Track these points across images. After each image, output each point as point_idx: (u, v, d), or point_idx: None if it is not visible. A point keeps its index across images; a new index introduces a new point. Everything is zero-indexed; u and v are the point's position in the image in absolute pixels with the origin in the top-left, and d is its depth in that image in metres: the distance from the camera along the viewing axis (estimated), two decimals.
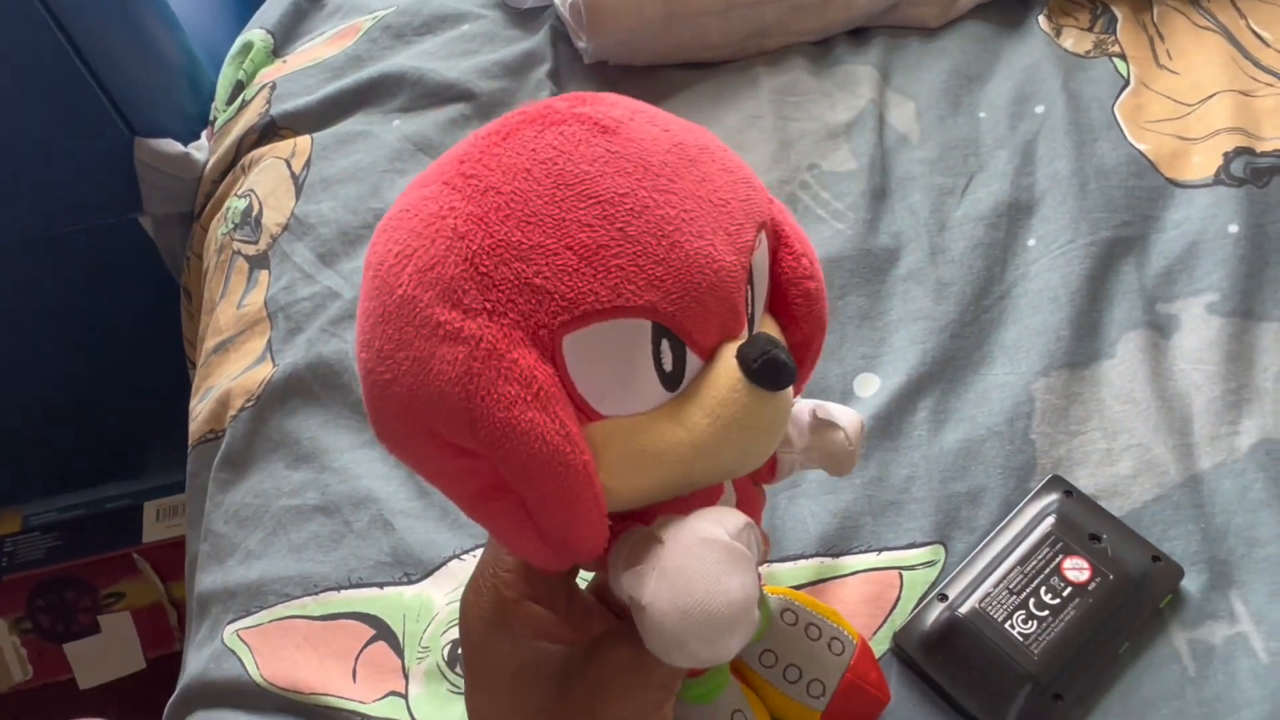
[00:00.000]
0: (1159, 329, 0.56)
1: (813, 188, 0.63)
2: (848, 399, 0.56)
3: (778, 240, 0.35)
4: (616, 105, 0.33)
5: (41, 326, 0.91)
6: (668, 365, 0.31)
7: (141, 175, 0.76)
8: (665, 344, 0.30)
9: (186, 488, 0.65)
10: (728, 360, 0.31)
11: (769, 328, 0.35)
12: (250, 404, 0.61)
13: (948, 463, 0.53)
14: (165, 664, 1.13)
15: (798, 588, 0.50)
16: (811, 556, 0.51)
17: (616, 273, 0.29)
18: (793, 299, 0.35)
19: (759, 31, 0.70)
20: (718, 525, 0.31)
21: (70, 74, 0.71)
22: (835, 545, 0.51)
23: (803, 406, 0.42)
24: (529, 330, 0.29)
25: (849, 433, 0.41)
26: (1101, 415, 0.54)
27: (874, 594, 0.50)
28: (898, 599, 0.50)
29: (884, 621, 0.49)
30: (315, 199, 0.68)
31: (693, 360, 0.31)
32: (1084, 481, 0.52)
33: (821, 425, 0.42)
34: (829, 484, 0.53)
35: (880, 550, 0.51)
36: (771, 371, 0.31)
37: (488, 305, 0.29)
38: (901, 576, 0.50)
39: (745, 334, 0.32)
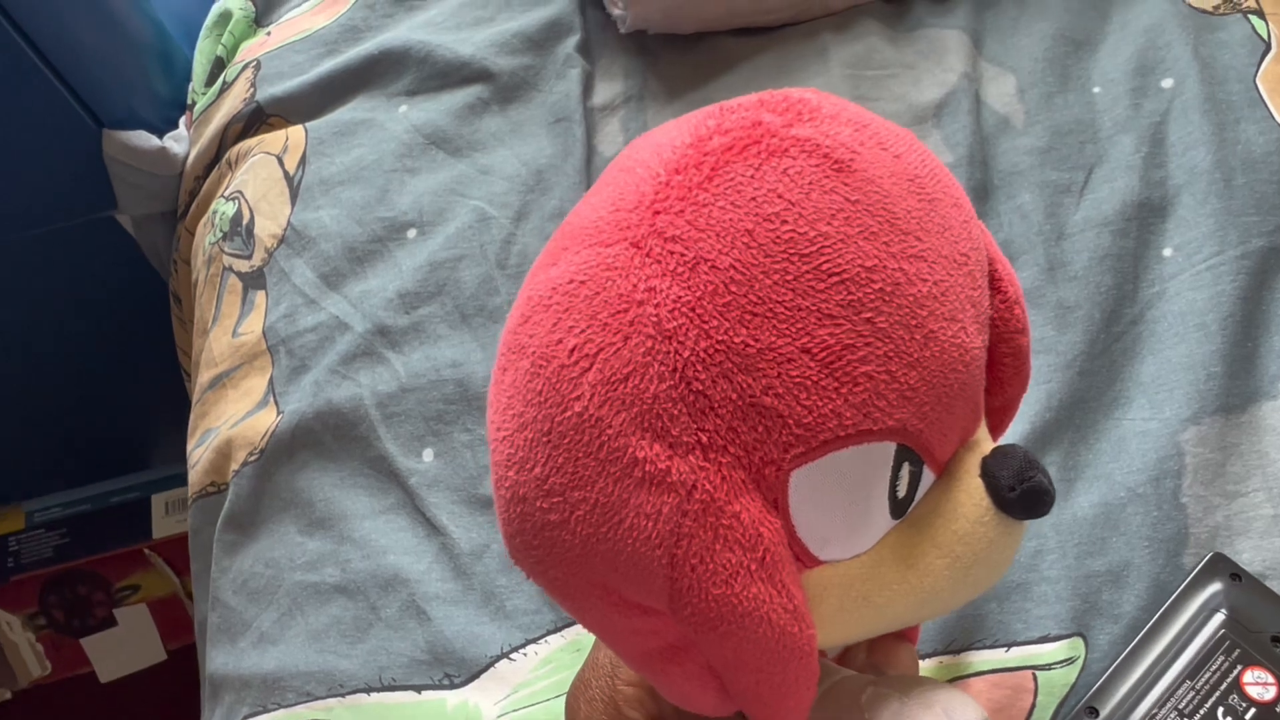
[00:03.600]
0: None
1: None
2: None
3: (993, 281, 0.27)
4: (839, 120, 0.25)
5: (32, 323, 0.79)
6: (902, 490, 0.24)
7: (113, 172, 0.63)
8: (906, 467, 0.24)
9: (190, 542, 0.55)
10: (971, 484, 0.25)
11: None
12: (254, 457, 0.50)
13: (1083, 533, 0.43)
14: (188, 654, 1.06)
15: None
16: (929, 656, 0.41)
17: (865, 383, 0.22)
18: (1002, 356, 0.28)
19: None
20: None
21: (19, 58, 0.58)
22: (955, 640, 0.42)
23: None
24: (752, 469, 0.22)
25: None
26: (1265, 472, 0.43)
27: (1004, 701, 0.40)
28: (1033, 706, 0.40)
29: None
30: (314, 205, 0.56)
31: (927, 475, 0.25)
32: (1248, 556, 0.42)
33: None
34: None
35: (1009, 646, 0.42)
36: (1032, 502, 0.25)
37: (703, 438, 0.22)
38: (1036, 678, 0.41)
39: (979, 436, 0.26)
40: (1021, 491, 0.25)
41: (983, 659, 0.41)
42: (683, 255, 0.22)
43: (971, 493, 0.25)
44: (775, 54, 0.57)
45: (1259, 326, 0.46)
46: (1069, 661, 0.41)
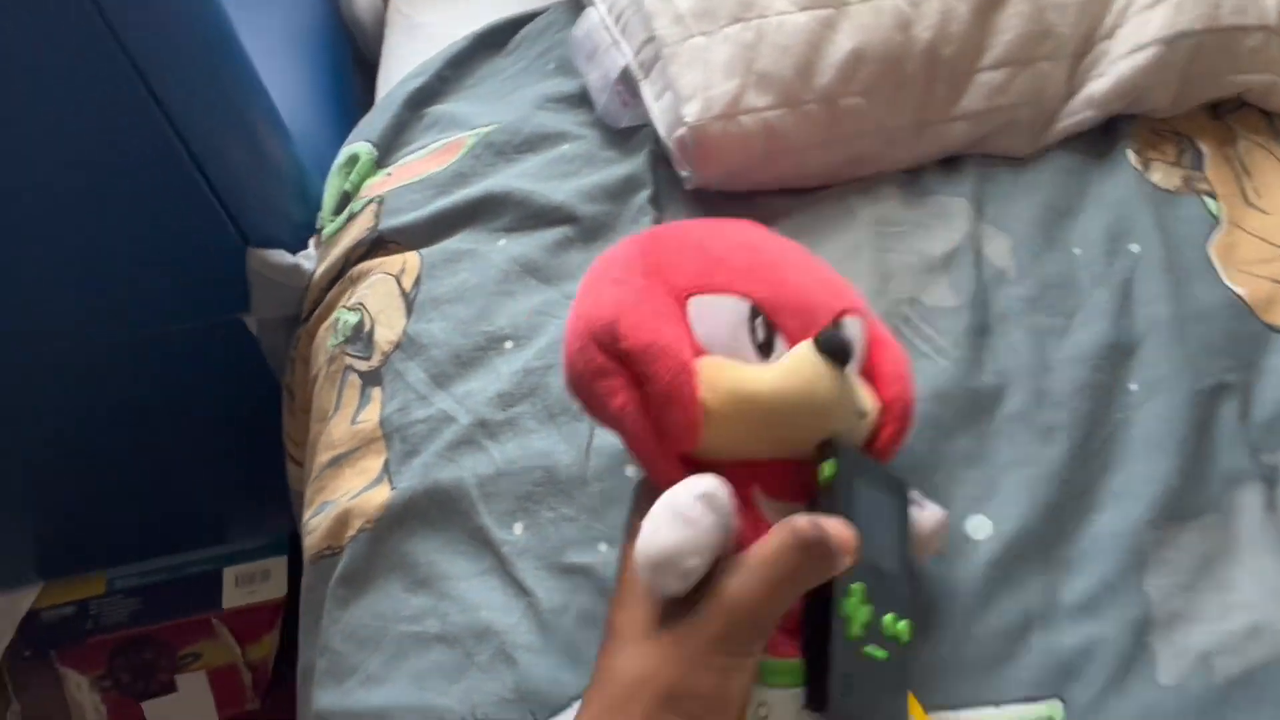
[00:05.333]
0: (1268, 480, 0.54)
1: (914, 322, 0.62)
2: (961, 542, 0.55)
3: (872, 334, 0.49)
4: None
5: (139, 406, 0.90)
6: (760, 336, 0.43)
7: (253, 282, 0.75)
8: (760, 321, 0.43)
9: (302, 598, 0.64)
10: (804, 342, 0.43)
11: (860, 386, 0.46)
12: (369, 526, 0.60)
13: (1064, 614, 0.52)
14: None
15: None
16: (933, 708, 0.50)
17: (732, 270, 0.45)
18: (883, 373, 0.48)
19: (853, 160, 0.69)
20: (683, 488, 0.39)
21: (188, 178, 0.71)
22: (953, 697, 0.50)
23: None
24: (668, 287, 0.44)
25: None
26: (1211, 568, 0.52)
27: None
28: None
29: None
30: (426, 318, 0.67)
31: (780, 342, 0.44)
32: (1198, 638, 0.51)
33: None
34: (941, 631, 0.52)
35: (999, 704, 0.50)
36: (834, 345, 0.42)
37: (645, 270, 0.45)
38: None
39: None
40: (828, 338, 0.42)
41: (978, 715, 0.49)
42: (658, 231, 0.51)
43: (806, 344, 0.43)
44: (812, 213, 0.68)
45: (1208, 449, 0.56)
46: None
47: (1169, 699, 0.49)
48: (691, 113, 0.65)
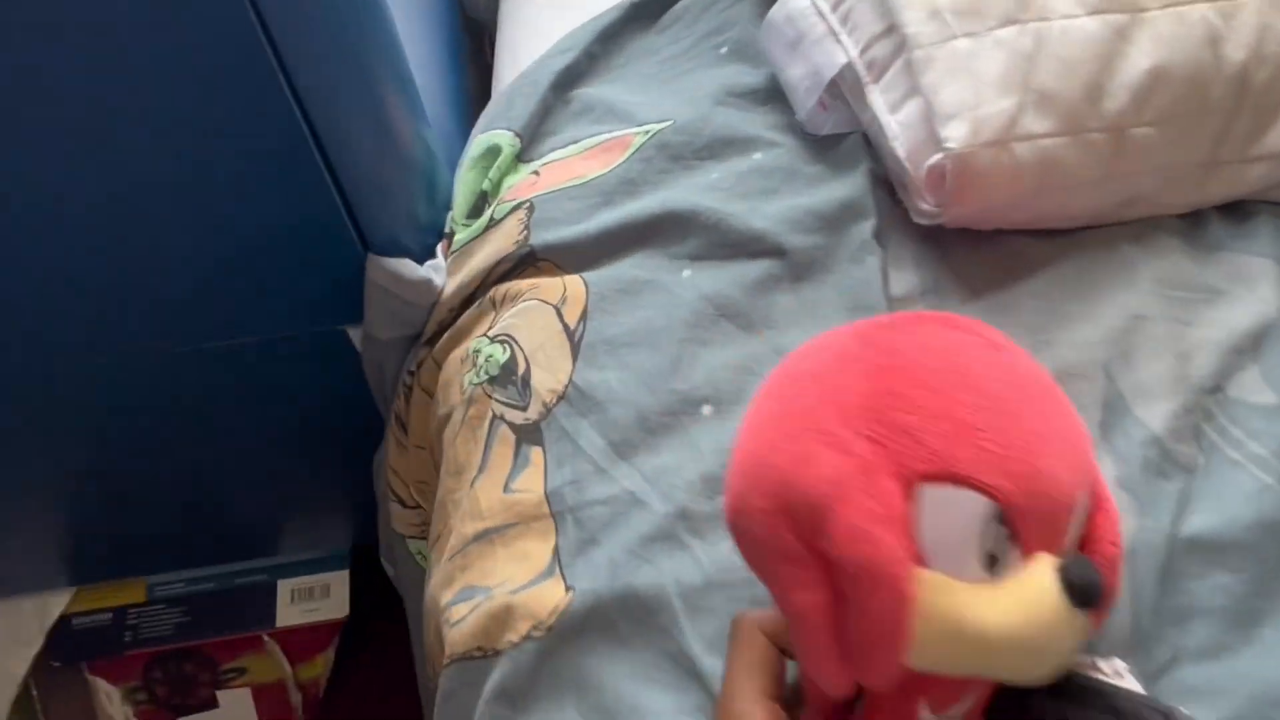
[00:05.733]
0: None
1: (1219, 420, 0.51)
2: None
3: (1096, 500, 0.38)
4: (998, 334, 0.39)
5: (213, 411, 0.78)
6: (991, 545, 0.33)
7: (371, 296, 0.63)
8: (998, 529, 0.33)
9: (440, 704, 0.52)
10: (1046, 567, 0.33)
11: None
12: (539, 633, 0.48)
13: None
14: None
15: None
16: None
17: (981, 452, 0.33)
18: (1097, 555, 0.37)
19: (1127, 201, 0.57)
20: None
21: (311, 171, 0.58)
22: None
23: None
24: (898, 466, 0.33)
25: None
26: None
27: None
28: None
29: None
30: (599, 365, 0.55)
31: (1013, 553, 0.34)
32: None
33: None
34: None
35: None
36: (1085, 590, 0.33)
37: (872, 435, 0.33)
38: None
39: (1067, 552, 0.35)
40: (1083, 581, 0.33)
41: None
42: (882, 345, 0.36)
43: (1046, 573, 0.33)
44: (1076, 263, 0.56)
45: None
46: None
47: None
48: (956, 136, 0.52)
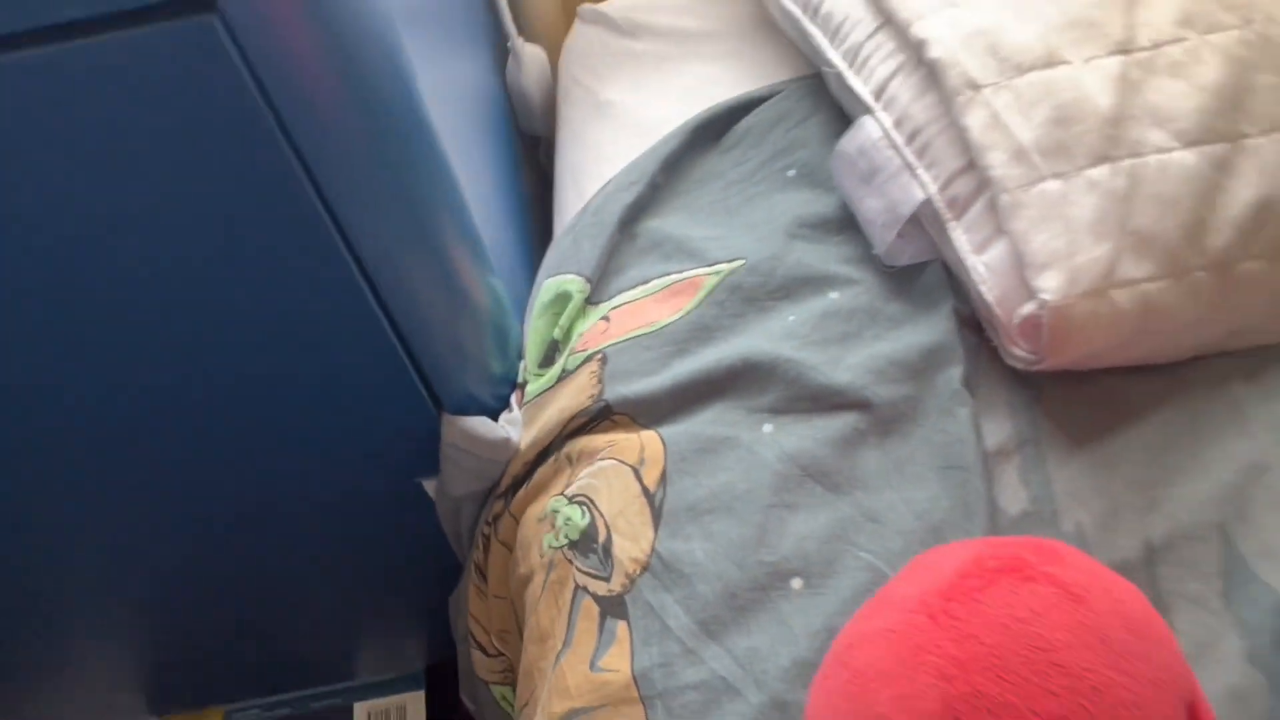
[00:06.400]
0: None
1: None
2: None
3: (1193, 714, 0.36)
4: (1078, 569, 0.36)
5: (279, 545, 0.79)
6: None
7: (446, 455, 0.62)
8: None
9: None
10: None
11: None
12: None
13: None
14: None
15: None
16: None
17: None
18: None
19: (1233, 333, 0.54)
20: None
21: (379, 337, 0.58)
22: None
23: None
24: None
25: None
26: None
27: None
28: None
29: None
30: (683, 534, 0.54)
31: None
32: None
33: None
34: None
35: None
36: None
37: None
38: None
39: None
40: None
41: None
42: (960, 629, 0.33)
43: None
44: (1181, 404, 0.53)
45: None
46: None
47: None
48: (1051, 287, 0.50)
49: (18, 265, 0.50)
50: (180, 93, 0.42)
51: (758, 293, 0.62)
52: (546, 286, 0.67)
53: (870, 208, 0.61)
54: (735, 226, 0.66)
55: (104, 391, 0.60)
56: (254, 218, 0.50)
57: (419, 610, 0.91)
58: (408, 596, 0.88)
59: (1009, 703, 0.31)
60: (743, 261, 0.63)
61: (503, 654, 0.69)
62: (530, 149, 0.98)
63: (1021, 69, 0.54)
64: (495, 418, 0.63)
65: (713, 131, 0.74)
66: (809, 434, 0.56)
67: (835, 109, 0.69)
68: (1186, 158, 0.52)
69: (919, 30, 0.58)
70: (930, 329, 0.57)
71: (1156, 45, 0.54)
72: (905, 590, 0.37)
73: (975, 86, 0.54)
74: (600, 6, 0.90)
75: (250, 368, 0.58)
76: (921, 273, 0.60)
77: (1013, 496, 0.52)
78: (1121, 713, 0.32)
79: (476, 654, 0.71)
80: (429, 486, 0.68)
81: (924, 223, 0.60)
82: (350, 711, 1.00)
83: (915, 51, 0.58)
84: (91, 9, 0.39)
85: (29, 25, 0.40)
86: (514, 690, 0.64)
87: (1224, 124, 0.52)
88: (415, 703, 1.00)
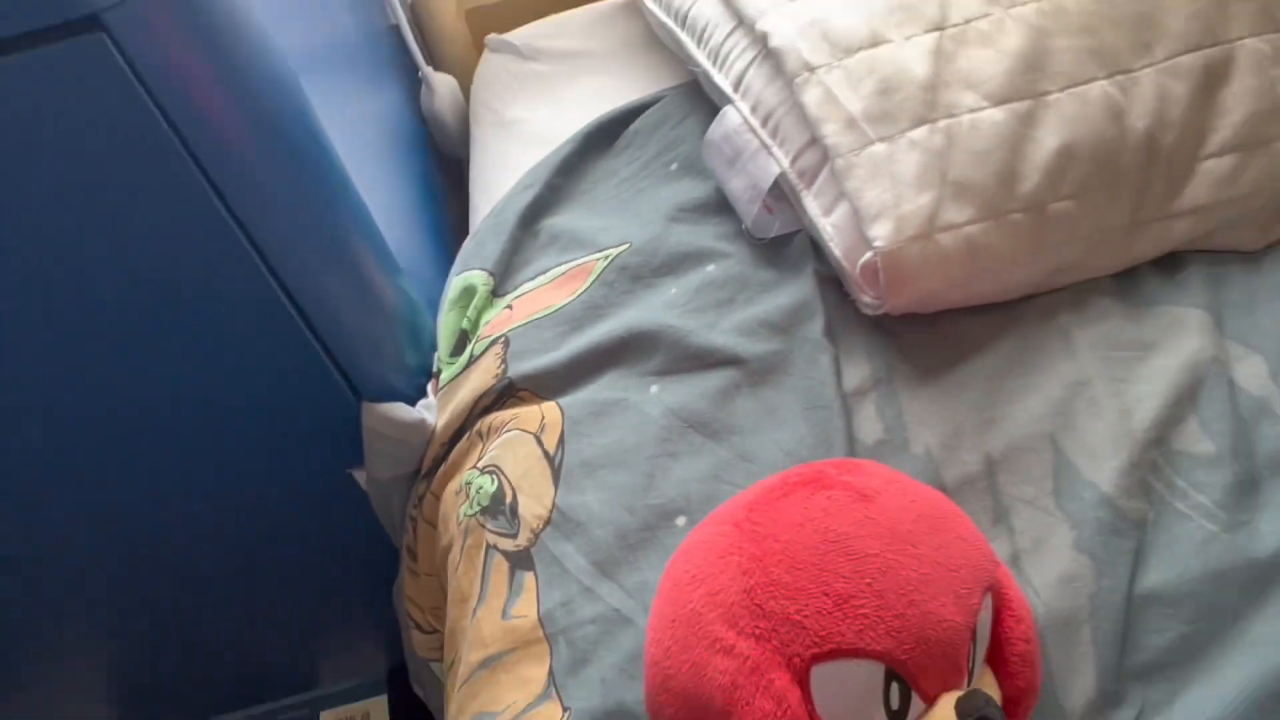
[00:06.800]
0: None
1: (1165, 472, 0.53)
2: None
3: (1001, 601, 0.40)
4: (876, 475, 0.40)
5: (231, 560, 0.83)
6: (895, 704, 0.35)
7: (368, 442, 0.68)
8: (895, 687, 0.35)
9: None
10: (946, 710, 0.35)
11: (986, 681, 0.39)
12: None
13: None
14: None
15: None
16: None
17: (861, 619, 0.34)
18: (1008, 656, 0.39)
19: (1059, 270, 0.60)
20: None
21: (296, 334, 0.63)
22: None
23: None
24: (786, 657, 0.34)
25: None
26: None
27: None
28: None
29: None
30: (579, 488, 0.59)
31: (916, 703, 0.35)
32: None
33: None
34: None
35: None
36: None
37: (757, 630, 0.35)
38: None
39: (965, 685, 0.37)
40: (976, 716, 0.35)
41: None
42: (760, 531, 0.37)
43: (947, 717, 0.35)
44: (1015, 336, 0.59)
45: None
46: None
47: None
48: (882, 234, 0.56)
49: None
50: (82, 106, 0.47)
51: (642, 271, 0.68)
52: (454, 283, 0.73)
53: (736, 186, 0.67)
54: (624, 217, 0.73)
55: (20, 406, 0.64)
56: (165, 228, 0.55)
57: (374, 615, 0.94)
58: (361, 599, 0.91)
59: (802, 587, 0.35)
60: (628, 245, 0.69)
61: (437, 630, 0.73)
62: (451, 173, 1.04)
63: (850, 50, 0.61)
64: (413, 404, 0.69)
65: (605, 137, 0.81)
66: (690, 390, 0.61)
67: (709, 109, 0.76)
68: (995, 115, 0.58)
69: (762, 25, 0.65)
70: (795, 290, 0.63)
71: (967, 21, 0.61)
72: (721, 510, 0.41)
73: (810, 68, 0.61)
74: (506, 36, 0.97)
75: (176, 373, 0.63)
76: (789, 243, 0.67)
77: (870, 429, 0.57)
78: (906, 589, 0.35)
79: (416, 634, 0.75)
80: (359, 477, 0.73)
81: (786, 196, 0.66)
82: (316, 718, 1.03)
83: (761, 44, 0.65)
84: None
85: None
86: (444, 663, 0.69)
87: (1026, 83, 0.59)
88: (378, 708, 1.04)
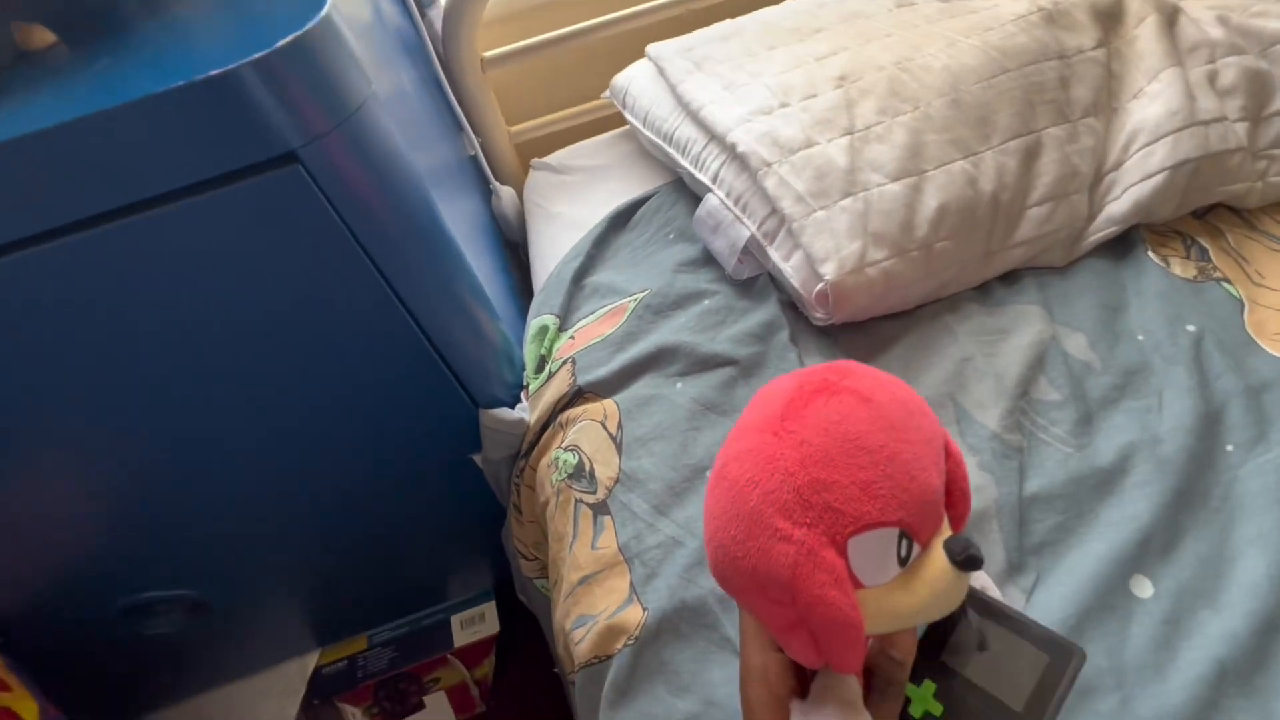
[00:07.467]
0: None
1: (1030, 415, 0.51)
2: (1131, 603, 0.43)
3: (947, 454, 0.35)
4: (864, 377, 0.34)
5: (389, 516, 0.78)
6: (903, 553, 0.32)
7: (485, 435, 0.63)
8: (904, 541, 0.32)
9: (577, 699, 0.51)
10: (938, 551, 0.32)
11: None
12: (631, 641, 0.48)
13: (1242, 653, 0.40)
14: None
15: None
16: None
17: (881, 499, 0.31)
18: (955, 494, 0.35)
19: (941, 286, 0.58)
20: None
21: (428, 365, 0.59)
22: None
23: None
24: (830, 537, 0.31)
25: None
26: None
27: None
28: None
29: None
30: (636, 456, 0.55)
31: (915, 547, 0.32)
32: None
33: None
34: (1142, 688, 0.39)
35: None
36: (969, 562, 0.32)
37: (807, 520, 0.31)
38: None
39: (945, 528, 0.33)
40: (966, 556, 0.31)
41: None
42: (796, 437, 0.32)
43: (939, 556, 0.32)
44: (918, 334, 0.57)
45: None
46: None
47: None
48: (830, 271, 0.53)
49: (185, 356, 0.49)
50: (281, 220, 0.43)
51: (661, 307, 0.64)
52: (532, 324, 0.69)
53: (719, 246, 0.64)
54: (641, 272, 0.69)
55: (253, 439, 0.59)
56: (342, 303, 0.51)
57: (483, 548, 0.90)
58: (476, 538, 0.87)
59: (836, 480, 0.31)
60: (649, 290, 0.66)
61: (538, 558, 0.69)
62: (514, 252, 1.00)
63: (793, 150, 0.58)
64: (512, 408, 0.64)
65: (621, 220, 0.77)
66: (704, 384, 0.58)
67: (691, 197, 0.73)
68: (895, 188, 0.56)
69: (731, 138, 0.61)
70: (765, 312, 0.60)
71: (868, 127, 0.59)
72: (754, 417, 0.35)
73: (767, 164, 0.58)
74: (545, 159, 0.93)
75: (360, 399, 0.59)
76: (756, 281, 0.64)
77: None
78: (907, 469, 0.31)
79: (522, 562, 0.71)
80: (477, 459, 0.68)
81: (753, 251, 0.63)
82: (449, 623, 0.98)
83: (730, 151, 0.62)
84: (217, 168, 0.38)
85: (153, 192, 0.38)
86: (549, 581, 0.64)
87: (912, 165, 0.56)
88: (490, 610, 0.99)
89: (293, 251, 0.46)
